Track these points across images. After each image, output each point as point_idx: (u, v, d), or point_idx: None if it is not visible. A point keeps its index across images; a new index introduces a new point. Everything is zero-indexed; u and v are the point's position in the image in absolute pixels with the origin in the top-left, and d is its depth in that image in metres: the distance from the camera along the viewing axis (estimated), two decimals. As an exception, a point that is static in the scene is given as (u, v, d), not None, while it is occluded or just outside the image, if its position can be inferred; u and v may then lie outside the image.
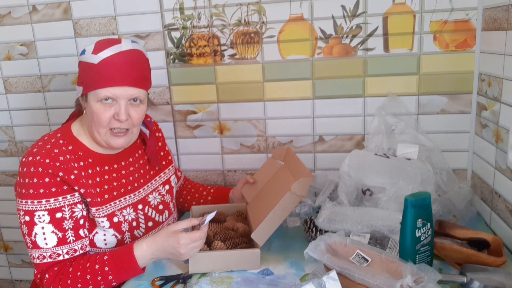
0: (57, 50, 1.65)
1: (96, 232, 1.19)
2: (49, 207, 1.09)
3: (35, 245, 1.10)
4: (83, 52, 1.14)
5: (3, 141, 1.81)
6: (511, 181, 1.19)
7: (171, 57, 1.59)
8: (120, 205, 1.22)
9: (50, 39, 1.64)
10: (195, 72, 1.58)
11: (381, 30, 1.44)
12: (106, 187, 1.20)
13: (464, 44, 1.40)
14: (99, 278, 1.08)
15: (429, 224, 1.02)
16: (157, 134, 1.41)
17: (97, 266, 1.09)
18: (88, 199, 1.15)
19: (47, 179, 1.09)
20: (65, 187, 1.11)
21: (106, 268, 1.09)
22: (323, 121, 1.55)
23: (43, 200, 1.09)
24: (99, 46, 1.11)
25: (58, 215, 1.10)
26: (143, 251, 1.10)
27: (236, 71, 1.56)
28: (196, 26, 1.54)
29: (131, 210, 1.25)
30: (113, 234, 1.20)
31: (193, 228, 1.14)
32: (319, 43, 1.48)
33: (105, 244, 1.20)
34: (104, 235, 1.20)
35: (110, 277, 1.09)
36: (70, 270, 1.09)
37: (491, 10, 1.28)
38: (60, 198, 1.11)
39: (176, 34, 1.56)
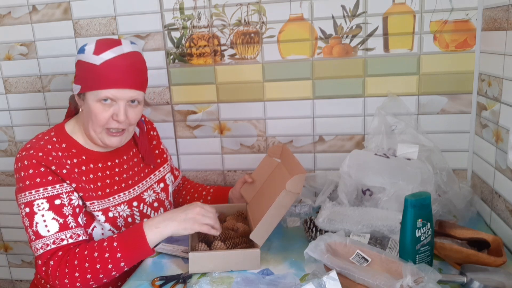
0: (57, 50, 1.65)
1: (95, 227, 1.19)
2: (47, 195, 1.10)
3: (38, 235, 1.08)
4: (82, 50, 1.14)
5: (3, 141, 1.81)
6: (511, 181, 1.19)
7: (171, 57, 1.59)
8: (114, 202, 1.23)
9: (50, 39, 1.64)
10: (195, 72, 1.58)
11: (381, 30, 1.44)
12: (99, 184, 1.21)
13: (464, 44, 1.40)
14: (106, 255, 1.06)
15: (429, 224, 1.02)
16: (152, 132, 1.42)
17: (105, 243, 1.08)
18: (81, 194, 1.15)
19: (42, 169, 1.10)
20: (60, 177, 1.12)
21: (115, 244, 1.07)
22: (323, 121, 1.55)
23: (41, 189, 1.10)
24: (100, 47, 1.12)
25: (57, 201, 1.10)
26: (150, 221, 1.11)
27: (236, 71, 1.56)
28: (196, 26, 1.54)
29: (126, 207, 1.26)
30: (110, 229, 1.20)
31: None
32: (319, 43, 1.48)
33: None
34: (102, 229, 1.20)
35: (119, 255, 1.07)
36: (76, 251, 1.07)
37: (491, 10, 1.28)
38: (57, 186, 1.11)
39: (176, 34, 1.56)
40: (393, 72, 1.46)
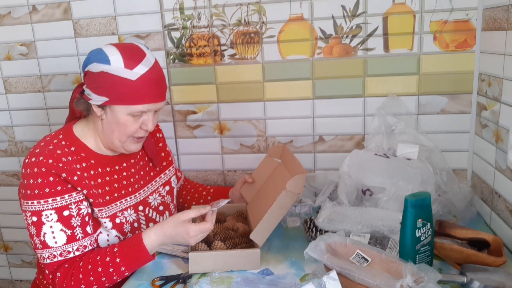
0: (57, 50, 1.65)
1: (100, 232, 1.19)
2: (56, 206, 1.10)
3: (45, 245, 1.10)
4: (106, 61, 1.10)
5: (3, 141, 1.81)
6: (511, 181, 1.19)
7: (171, 57, 1.59)
8: (121, 207, 1.23)
9: (50, 39, 1.64)
10: (195, 72, 1.58)
11: (381, 30, 1.44)
12: (107, 188, 1.20)
13: (464, 44, 1.40)
14: (111, 270, 1.09)
15: (429, 224, 1.02)
16: (158, 134, 1.41)
17: (108, 258, 1.09)
18: (91, 200, 1.15)
19: (51, 178, 1.09)
20: (70, 186, 1.12)
21: (118, 260, 1.09)
22: (323, 121, 1.55)
23: (50, 199, 1.09)
24: (129, 59, 1.10)
25: (66, 213, 1.11)
26: (151, 240, 1.11)
27: (236, 71, 1.56)
28: (196, 26, 1.54)
29: (132, 212, 1.25)
30: (116, 235, 1.21)
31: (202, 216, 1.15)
32: (319, 43, 1.48)
33: (108, 245, 1.20)
34: (108, 235, 1.20)
35: (122, 268, 1.10)
36: (81, 265, 1.10)
37: (491, 10, 1.28)
38: (66, 196, 1.11)
39: (176, 34, 1.56)
40: (393, 72, 1.46)
